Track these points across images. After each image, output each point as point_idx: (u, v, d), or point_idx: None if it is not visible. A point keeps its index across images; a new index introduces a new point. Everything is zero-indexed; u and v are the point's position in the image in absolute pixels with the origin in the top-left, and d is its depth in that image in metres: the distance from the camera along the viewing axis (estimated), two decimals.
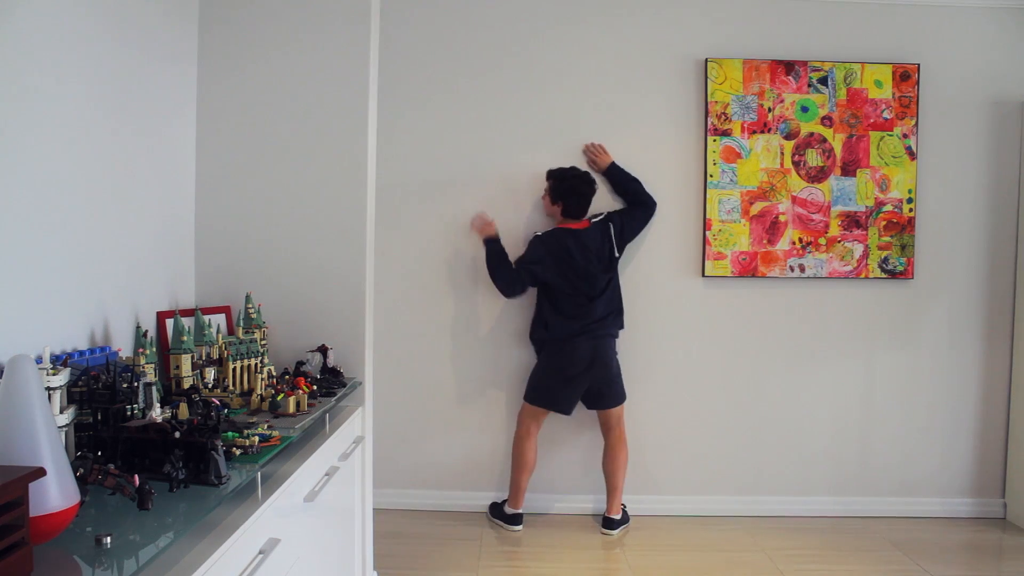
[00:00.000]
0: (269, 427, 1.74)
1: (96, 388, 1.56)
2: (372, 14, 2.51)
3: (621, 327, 3.50)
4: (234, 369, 2.11)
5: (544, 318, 3.43)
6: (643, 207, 3.52)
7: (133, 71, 2.07)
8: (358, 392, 2.50)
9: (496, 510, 3.54)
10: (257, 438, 1.60)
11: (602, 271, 3.40)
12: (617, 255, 3.44)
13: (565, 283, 3.37)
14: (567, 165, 3.48)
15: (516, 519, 3.46)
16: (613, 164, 3.53)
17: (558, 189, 3.41)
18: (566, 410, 3.44)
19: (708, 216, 3.62)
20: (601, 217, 3.45)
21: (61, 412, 1.44)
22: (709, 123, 3.61)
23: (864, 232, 3.65)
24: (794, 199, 3.64)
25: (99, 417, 1.55)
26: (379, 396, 3.21)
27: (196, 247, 2.50)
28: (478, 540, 3.34)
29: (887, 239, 3.65)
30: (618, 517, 3.45)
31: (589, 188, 3.42)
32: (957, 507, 3.73)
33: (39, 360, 1.43)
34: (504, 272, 3.40)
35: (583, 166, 3.55)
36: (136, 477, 1.26)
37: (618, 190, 3.55)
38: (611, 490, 3.47)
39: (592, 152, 3.57)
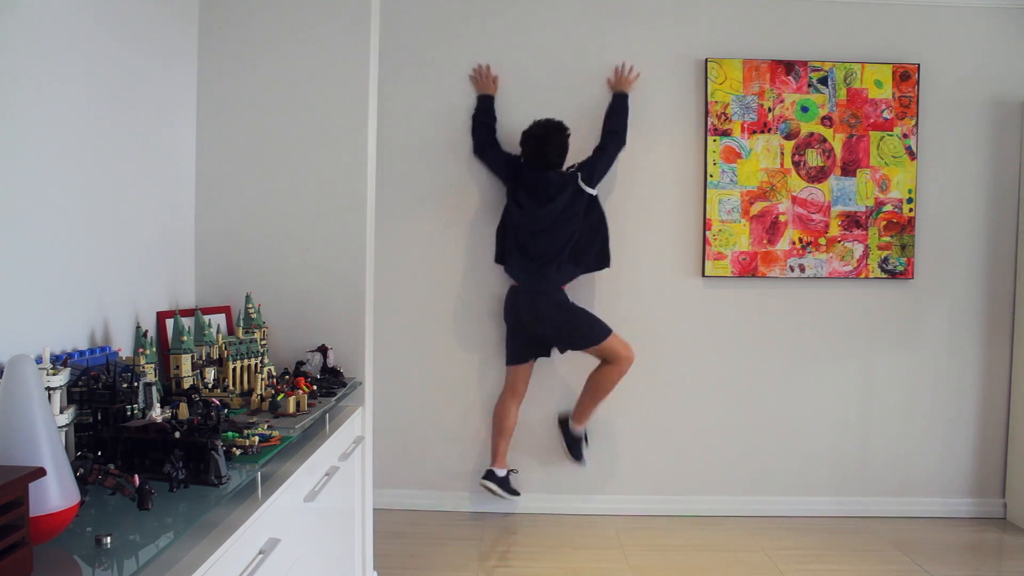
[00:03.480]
0: (269, 427, 1.74)
1: (96, 388, 1.56)
2: (372, 14, 2.51)
3: (568, 275, 3.45)
4: (234, 369, 2.11)
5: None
6: (617, 143, 3.51)
7: (133, 71, 2.07)
8: (358, 392, 2.50)
9: (488, 475, 3.54)
10: (257, 438, 1.60)
11: (551, 218, 3.38)
12: (592, 192, 3.42)
13: (514, 200, 3.44)
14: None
15: (504, 483, 3.50)
16: (626, 96, 3.53)
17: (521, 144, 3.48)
18: (519, 359, 3.51)
19: (708, 216, 3.62)
20: (570, 169, 3.45)
21: (61, 412, 1.44)
22: (709, 123, 3.61)
23: (864, 232, 3.65)
24: (794, 199, 3.64)
25: (99, 417, 1.55)
26: (379, 396, 3.21)
27: (196, 247, 2.50)
28: (478, 540, 3.34)
29: (887, 239, 3.65)
30: (578, 427, 3.51)
31: (531, 143, 3.38)
32: (957, 507, 3.73)
33: (39, 360, 1.42)
34: (480, 133, 3.54)
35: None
36: (136, 477, 1.26)
37: (609, 114, 3.53)
38: (581, 397, 3.49)
39: (624, 72, 3.56)
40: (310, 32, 2.48)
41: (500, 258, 3.57)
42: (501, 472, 3.52)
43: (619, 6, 3.61)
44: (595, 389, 3.47)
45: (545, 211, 3.39)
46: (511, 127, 3.56)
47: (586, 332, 3.44)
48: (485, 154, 3.55)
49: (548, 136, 3.39)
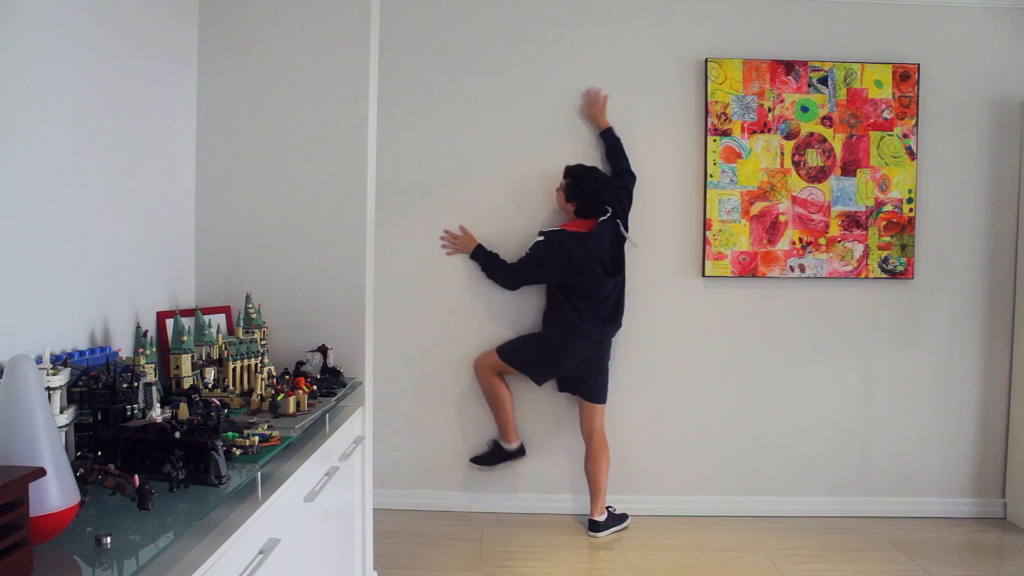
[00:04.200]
0: (269, 427, 1.74)
1: (96, 388, 1.56)
2: (372, 14, 2.51)
3: (618, 327, 3.51)
4: (234, 369, 2.11)
5: (554, 305, 3.47)
6: (628, 179, 3.52)
7: (133, 71, 2.07)
8: (358, 392, 2.50)
9: (495, 453, 3.55)
10: (257, 438, 1.60)
11: (608, 274, 3.39)
12: (623, 250, 3.45)
13: (567, 284, 3.39)
14: (574, 164, 3.44)
15: (521, 451, 3.56)
16: (611, 129, 3.53)
17: (574, 189, 3.37)
18: (538, 380, 3.53)
19: (708, 216, 3.62)
20: (608, 215, 3.41)
21: (61, 412, 1.44)
22: (709, 123, 3.61)
23: (864, 232, 3.65)
24: (794, 199, 3.64)
25: (99, 417, 1.55)
26: (379, 396, 3.21)
27: (196, 247, 2.50)
28: (478, 540, 3.34)
29: (887, 239, 3.65)
30: (602, 519, 3.44)
31: (608, 190, 3.38)
32: (957, 507, 3.73)
33: (39, 360, 1.42)
34: (501, 272, 3.50)
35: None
36: (136, 477, 1.26)
37: (607, 154, 3.54)
38: (593, 492, 3.48)
39: (592, 98, 3.54)
40: (310, 31, 2.48)
41: (549, 316, 3.49)
42: (512, 445, 3.54)
43: (620, 6, 3.61)
44: (596, 472, 3.46)
45: (595, 269, 3.34)
46: (516, 116, 3.57)
47: (605, 386, 3.50)
48: (523, 281, 3.49)
49: (599, 177, 3.38)
